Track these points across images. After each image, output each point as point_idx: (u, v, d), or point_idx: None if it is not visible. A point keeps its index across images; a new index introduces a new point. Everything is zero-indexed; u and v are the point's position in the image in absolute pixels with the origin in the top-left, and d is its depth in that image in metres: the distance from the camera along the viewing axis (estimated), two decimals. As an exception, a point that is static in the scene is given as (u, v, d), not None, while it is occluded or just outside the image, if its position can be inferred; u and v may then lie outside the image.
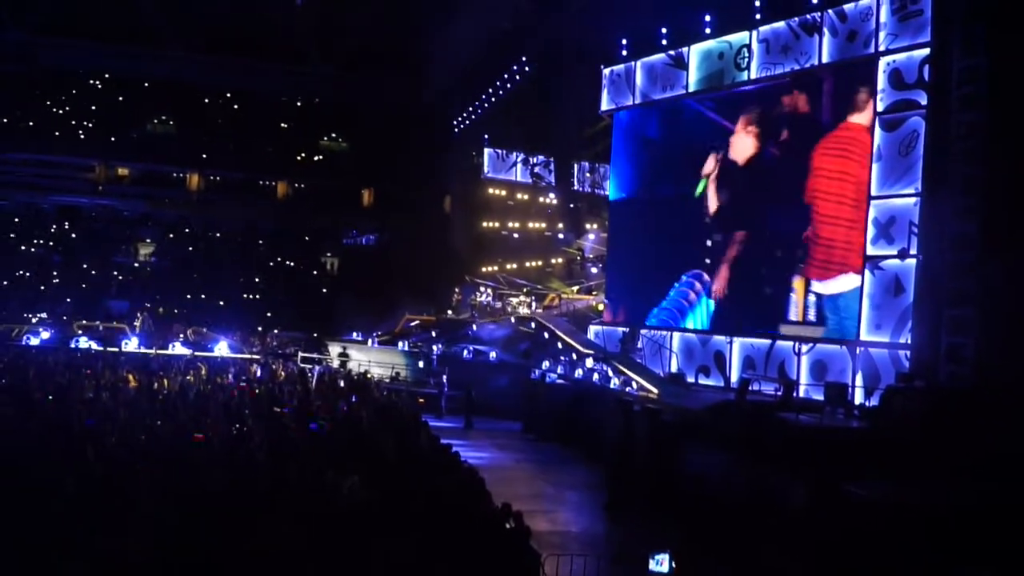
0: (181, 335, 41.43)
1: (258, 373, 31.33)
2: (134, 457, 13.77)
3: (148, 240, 56.17)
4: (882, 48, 23.50)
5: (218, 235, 56.41)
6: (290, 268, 56.74)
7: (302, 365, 35.37)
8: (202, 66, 52.51)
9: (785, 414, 19.25)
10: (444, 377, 32.19)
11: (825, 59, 25.19)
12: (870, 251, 23.48)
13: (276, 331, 46.32)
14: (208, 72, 52.97)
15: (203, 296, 51.84)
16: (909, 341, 22.02)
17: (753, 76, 27.39)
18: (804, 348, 24.89)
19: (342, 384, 28.53)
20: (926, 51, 22.25)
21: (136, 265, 54.94)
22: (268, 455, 14.79)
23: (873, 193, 23.49)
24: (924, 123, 22.18)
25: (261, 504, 11.26)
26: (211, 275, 52.84)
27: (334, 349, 38.89)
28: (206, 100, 55.82)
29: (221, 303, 51.21)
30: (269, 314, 50.80)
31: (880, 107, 23.54)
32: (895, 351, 22.46)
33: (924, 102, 22.33)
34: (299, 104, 57.32)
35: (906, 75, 22.97)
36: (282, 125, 57.52)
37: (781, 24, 26.49)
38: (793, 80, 26.18)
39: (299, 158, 57.54)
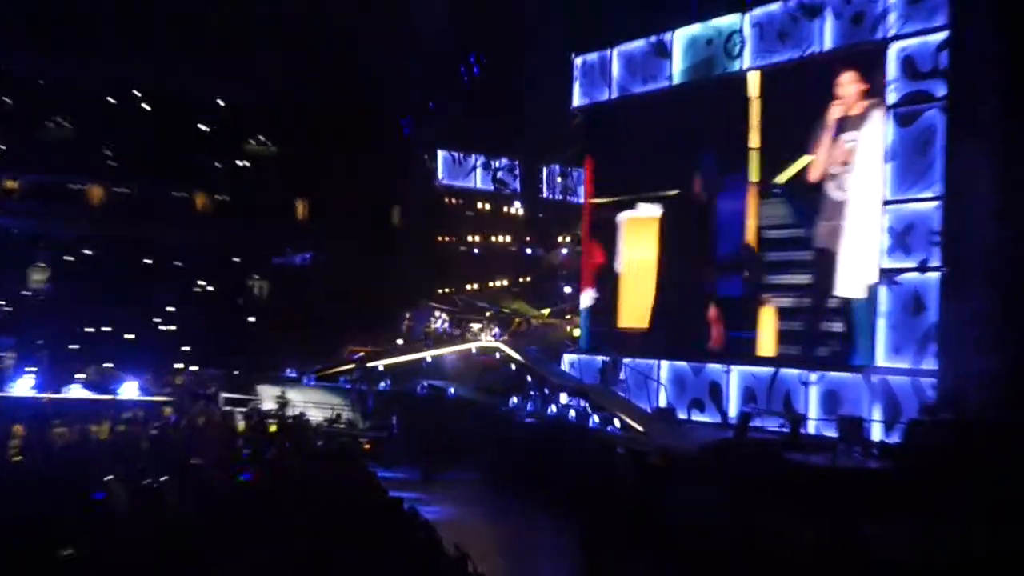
0: (81, 375, 40.76)
1: (172, 419, 30.88)
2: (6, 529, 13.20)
3: (41, 264, 55.32)
4: (892, 33, 23.78)
5: (124, 257, 55.67)
6: (210, 294, 56.06)
7: (225, 408, 34.90)
8: (105, 60, 52.07)
9: (793, 454, 19.24)
10: (393, 419, 31.88)
11: (828, 45, 25.43)
12: (885, 263, 23.64)
13: (194, 368, 45.71)
14: (112, 67, 52.53)
15: (107, 329, 51.05)
16: (934, 367, 22.15)
17: (747, 65, 27.60)
18: (813, 376, 24.96)
19: (273, 429, 28.18)
20: (943, 35, 22.54)
21: (27, 294, 54.06)
22: (184, 515, 14.48)
23: (887, 197, 23.69)
24: (943, 116, 22.44)
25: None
26: (116, 304, 52.02)
27: (264, 389, 38.41)
28: (110, 99, 55.30)
29: (128, 337, 50.46)
30: (186, 348, 50.11)
31: (892, 99, 23.78)
32: (917, 379, 22.59)
33: (942, 93, 22.60)
34: (220, 103, 56.91)
35: (920, 63, 23.26)
36: (200, 127, 57.07)
37: (776, 6, 26.74)
38: (793, 70, 26.41)
39: (220, 165, 57.05)
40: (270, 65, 52.67)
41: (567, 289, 40.32)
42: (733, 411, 26.67)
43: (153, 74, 53.41)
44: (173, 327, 53.22)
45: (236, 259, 57.29)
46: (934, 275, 22.65)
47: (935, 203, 22.72)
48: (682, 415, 28.14)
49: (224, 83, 54.73)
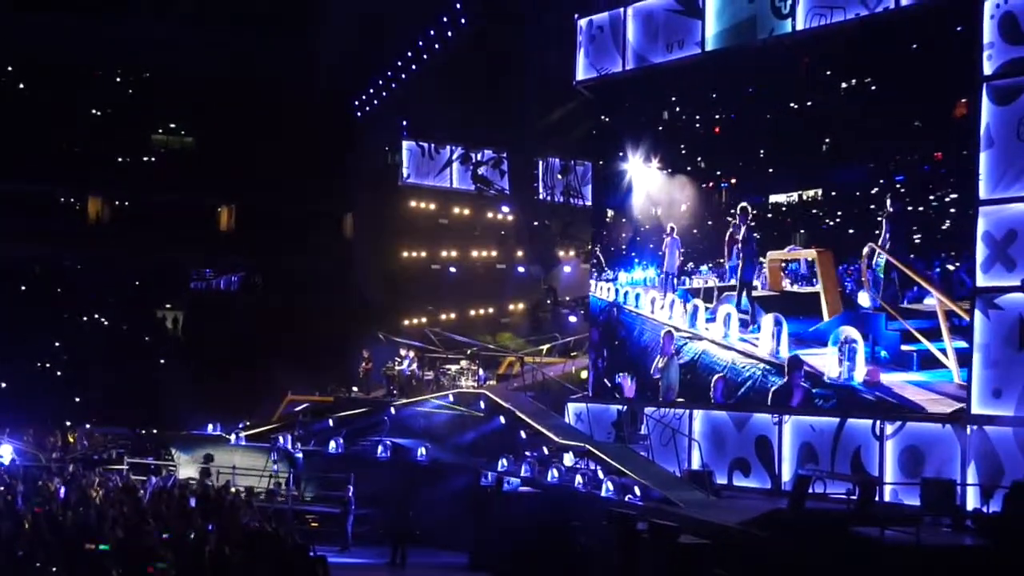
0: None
1: (61, 491, 30.83)
2: None
3: None
4: (986, -18, 24.13)
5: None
6: (108, 328, 56.08)
7: (133, 477, 34.91)
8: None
9: (865, 527, 19.35)
10: (351, 490, 31.95)
11: None
12: (981, 281, 23.83)
13: (88, 426, 45.69)
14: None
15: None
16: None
17: (800, 26, 27.89)
18: (889, 428, 25.11)
19: (192, 504, 28.15)
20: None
21: None
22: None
23: (982, 196, 23.92)
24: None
25: None
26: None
27: (180, 451, 38.40)
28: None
29: (1, 385, 50.45)
30: (77, 399, 50.11)
31: (988, 70, 24.04)
32: (1023, 430, 22.74)
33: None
34: (120, 79, 57.10)
35: (1024, 21, 23.62)
36: (94, 111, 57.20)
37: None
38: (859, 29, 26.71)
39: (121, 160, 57.17)
40: (185, 28, 52.85)
41: (572, 319, 40.47)
42: (787, 474, 26.78)
43: (29, 38, 53.15)
44: (59, 372, 53.16)
45: (141, 284, 57.35)
46: (1045, 296, 22.92)
47: (1044, 203, 23.03)
48: (721, 480, 28.21)
49: (125, 52, 54.70)
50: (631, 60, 32.42)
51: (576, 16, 33.92)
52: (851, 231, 27.48)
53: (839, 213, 27.89)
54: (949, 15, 25.10)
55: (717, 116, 31.29)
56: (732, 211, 30.33)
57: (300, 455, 35.91)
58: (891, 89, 26.35)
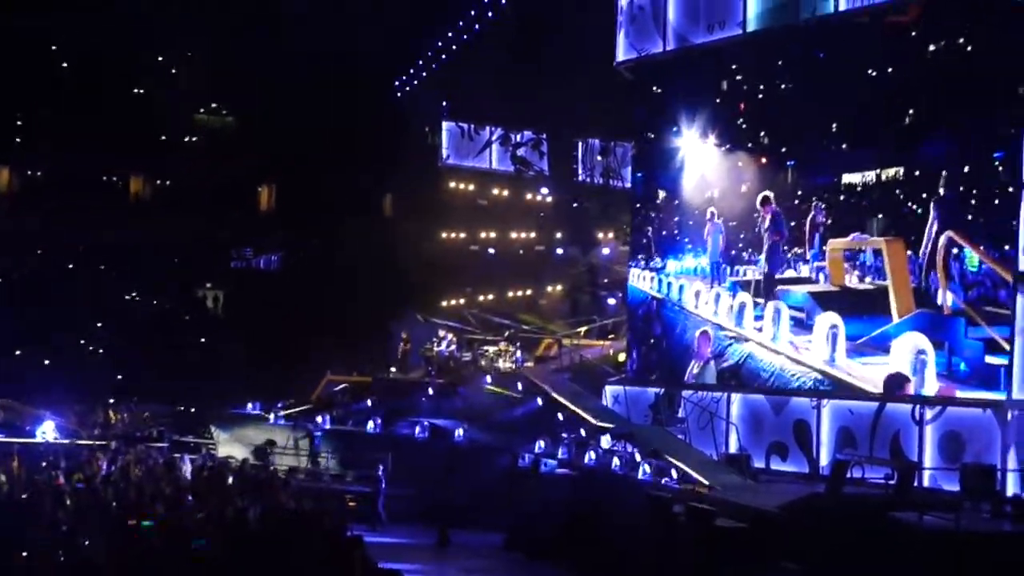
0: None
1: (103, 467, 31.13)
2: None
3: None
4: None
5: (37, 257, 56.06)
6: (150, 306, 56.45)
7: (172, 454, 35.19)
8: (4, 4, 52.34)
9: (903, 513, 19.32)
10: (381, 469, 32.10)
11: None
12: (1023, 266, 23.71)
13: (131, 404, 46.03)
14: (16, 15, 52.77)
15: (16, 352, 51.46)
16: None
17: (843, 7, 27.75)
18: (929, 413, 25.02)
19: (231, 480, 28.39)
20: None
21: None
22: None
23: (1025, 180, 23.82)
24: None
25: None
26: (28, 320, 52.40)
27: (220, 430, 38.64)
28: (14, 56, 55.68)
29: (45, 362, 50.85)
30: (120, 377, 50.48)
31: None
32: (1065, 416, 22.65)
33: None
34: (161, 60, 57.32)
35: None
36: (135, 90, 57.46)
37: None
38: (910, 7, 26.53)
39: (162, 139, 57.45)
40: (225, 13, 53.00)
41: (611, 300, 40.45)
42: (825, 458, 26.75)
43: (73, 22, 53.51)
44: (102, 351, 53.57)
45: (182, 262, 57.66)
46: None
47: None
48: (759, 464, 28.20)
49: (164, 35, 54.96)
50: (672, 40, 32.32)
51: (616, -6, 33.89)
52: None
53: (924, 195, 26.20)
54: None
55: (783, 86, 29.96)
56: (798, 193, 29.35)
57: (319, 433, 36.01)
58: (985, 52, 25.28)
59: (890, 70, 27.30)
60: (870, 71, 27.72)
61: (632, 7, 33.50)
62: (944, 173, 25.70)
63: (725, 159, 31.44)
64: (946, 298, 25.23)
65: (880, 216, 27.38)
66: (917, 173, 26.53)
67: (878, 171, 27.45)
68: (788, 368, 28.61)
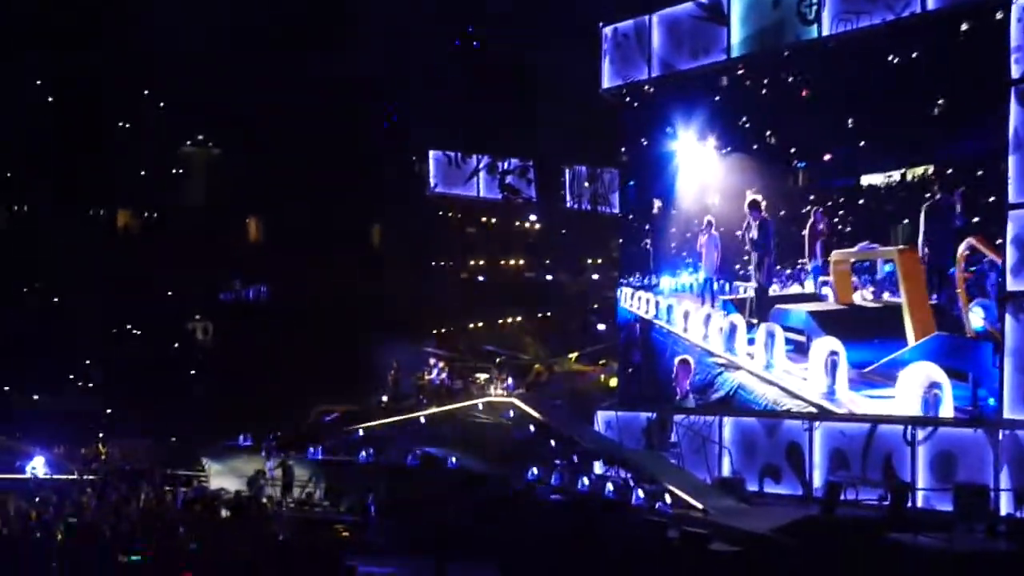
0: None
1: (94, 502, 31.08)
2: None
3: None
4: (1016, -18, 23.99)
5: (24, 294, 55.93)
6: (138, 339, 56.34)
7: (165, 488, 35.15)
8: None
9: (897, 534, 19.32)
10: (371, 498, 32.05)
11: (931, 3, 25.67)
12: (1011, 285, 23.76)
13: (122, 437, 45.93)
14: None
15: (4, 388, 51.34)
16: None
17: (826, 31, 27.88)
18: (921, 434, 25.04)
19: (223, 513, 28.38)
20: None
21: None
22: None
23: (1012, 200, 23.86)
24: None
25: None
26: (14, 356, 52.28)
27: (212, 462, 38.58)
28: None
29: (33, 398, 50.71)
30: (109, 411, 50.35)
31: (1015, 73, 23.99)
32: (1056, 434, 22.68)
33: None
34: (148, 92, 57.37)
35: (1052, 24, 23.47)
36: (121, 124, 57.46)
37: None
38: (886, 36, 26.64)
39: (148, 172, 57.42)
40: (211, 45, 53.05)
41: (600, 326, 40.48)
42: (818, 480, 26.74)
43: (55, 55, 53.46)
44: (91, 385, 53.42)
45: (170, 294, 57.56)
46: (1075, 299, 22.77)
47: (1074, 206, 22.89)
48: (752, 487, 28.16)
49: (150, 67, 54.97)
50: (656, 67, 32.42)
51: (600, 24, 33.98)
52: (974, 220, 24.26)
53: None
54: (974, 17, 25.01)
55: (790, 78, 28.83)
56: (810, 197, 27.98)
57: (292, 462, 36.04)
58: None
59: (914, 54, 25.87)
60: (891, 56, 26.37)
61: (616, 35, 33.63)
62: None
63: (725, 163, 30.62)
64: (969, 318, 24.13)
65: (906, 222, 25.73)
66: (950, 172, 25.00)
67: (904, 171, 26.08)
68: (782, 401, 27.94)
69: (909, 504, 23.17)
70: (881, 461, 25.65)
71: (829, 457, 26.93)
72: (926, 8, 25.71)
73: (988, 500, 21.98)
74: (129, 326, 56.64)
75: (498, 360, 41.06)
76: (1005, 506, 22.70)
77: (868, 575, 18.78)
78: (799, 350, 27.69)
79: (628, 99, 33.62)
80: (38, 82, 56.40)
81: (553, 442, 32.45)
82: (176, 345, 56.99)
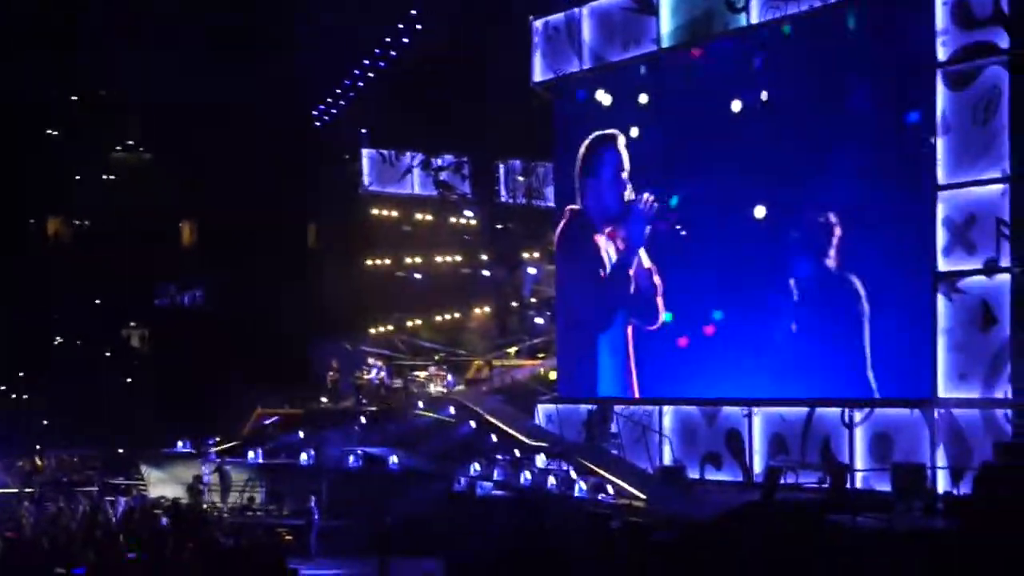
0: None
1: (31, 515, 30.74)
2: None
3: None
4: (937, -31, 24.24)
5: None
6: (72, 348, 55.81)
7: (104, 498, 34.80)
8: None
9: (837, 515, 19.47)
10: (313, 501, 31.91)
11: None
12: (942, 266, 24.05)
13: (59, 449, 45.42)
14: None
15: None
16: (1009, 394, 22.49)
17: (754, 21, 28.04)
18: (858, 415, 25.27)
19: (164, 521, 28.12)
20: (1004, -32, 22.91)
21: None
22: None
23: (941, 181, 24.13)
24: (1008, 75, 22.87)
25: None
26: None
27: (151, 470, 38.22)
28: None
29: (-31, 411, 50.11)
30: (45, 422, 49.83)
31: (942, 56, 24.24)
32: (990, 411, 22.97)
33: (1005, 45, 23.05)
34: (76, 98, 56.78)
35: (976, 7, 23.73)
36: (49, 132, 56.85)
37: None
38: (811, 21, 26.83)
39: (79, 179, 56.88)
40: (137, 48, 52.58)
41: (538, 320, 40.51)
42: (759, 466, 26.92)
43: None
44: (25, 396, 52.88)
45: (104, 302, 57.04)
46: (1005, 278, 23.05)
47: (1002, 186, 23.15)
48: (693, 474, 28.32)
49: (79, 73, 54.47)
50: (588, 59, 32.47)
51: (531, 18, 33.98)
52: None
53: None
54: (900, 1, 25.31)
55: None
56: None
57: (228, 466, 35.98)
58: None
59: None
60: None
61: (547, 28, 33.65)
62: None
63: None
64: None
65: None
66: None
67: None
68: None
69: (848, 485, 23.34)
70: (820, 444, 25.89)
71: (769, 442, 27.14)
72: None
73: (925, 478, 22.18)
74: (63, 335, 56.12)
75: (437, 357, 41.02)
76: (942, 484, 22.95)
77: (810, 557, 18.89)
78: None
79: (560, 92, 33.67)
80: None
81: (494, 437, 32.45)
82: (112, 352, 56.50)
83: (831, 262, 26.38)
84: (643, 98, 31.01)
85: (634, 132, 31.33)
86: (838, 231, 26.21)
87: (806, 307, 27.07)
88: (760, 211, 27.88)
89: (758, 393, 27.61)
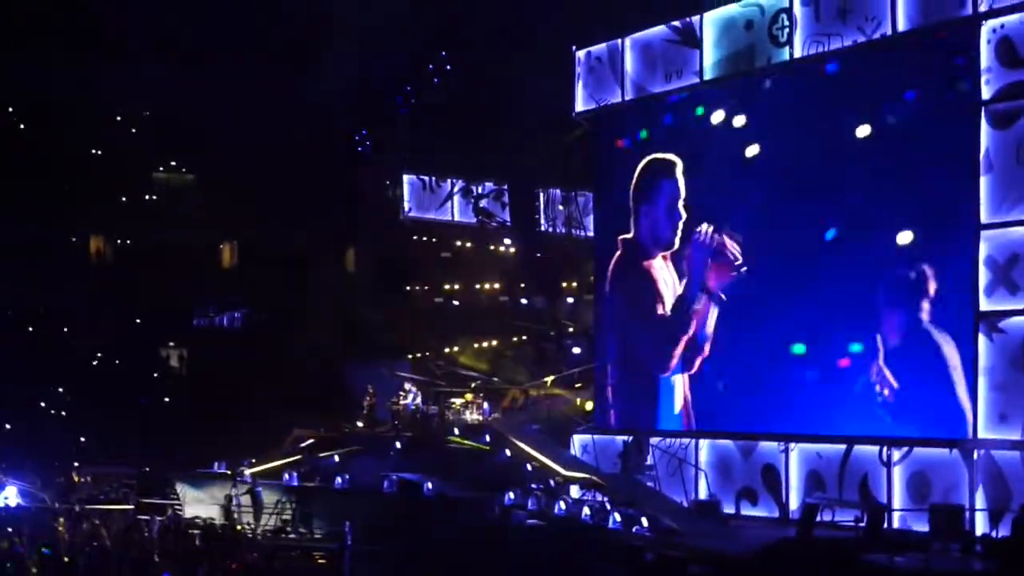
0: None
1: (68, 532, 30.89)
2: None
3: None
4: (984, 7, 24.24)
5: (-1, 321, 55.68)
6: (112, 367, 56.05)
7: (139, 516, 34.95)
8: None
9: (874, 555, 19.39)
10: (348, 525, 31.95)
11: (902, 26, 25.90)
12: (984, 306, 23.95)
13: (96, 465, 45.64)
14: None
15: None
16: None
17: (798, 55, 28.08)
18: (896, 455, 25.15)
19: (198, 541, 28.25)
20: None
21: None
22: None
23: (983, 220, 24.07)
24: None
25: None
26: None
27: (187, 489, 38.37)
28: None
29: (6, 426, 50.42)
30: (83, 439, 50.10)
31: (985, 94, 24.22)
32: (1031, 453, 22.84)
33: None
34: (120, 118, 57.24)
35: (1021, 45, 23.73)
36: (93, 151, 57.32)
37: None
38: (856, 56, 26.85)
39: (122, 199, 57.28)
40: (182, 70, 53.05)
41: (576, 350, 40.51)
42: (795, 502, 26.82)
43: (27, 80, 53.32)
44: (64, 413, 53.14)
45: (143, 321, 57.35)
46: (1048, 319, 23.00)
47: (1047, 226, 23.15)
48: (729, 509, 28.28)
49: (123, 93, 54.92)
50: (630, 90, 32.59)
51: (574, 47, 34.14)
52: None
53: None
54: (945, 39, 25.30)
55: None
56: None
57: (260, 488, 35.88)
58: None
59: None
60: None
61: (590, 59, 33.80)
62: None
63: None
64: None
65: None
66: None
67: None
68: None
69: (885, 525, 23.24)
70: (857, 482, 25.78)
71: (805, 479, 27.03)
72: (896, 30, 25.97)
73: (963, 520, 22.07)
74: (102, 353, 56.40)
75: (473, 384, 41.04)
76: (980, 526, 22.80)
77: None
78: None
79: (601, 122, 33.81)
80: (9, 109, 56.30)
81: (529, 466, 32.42)
82: (150, 372, 56.74)
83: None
84: (686, 129, 31.17)
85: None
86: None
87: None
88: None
89: (794, 428, 27.56)
